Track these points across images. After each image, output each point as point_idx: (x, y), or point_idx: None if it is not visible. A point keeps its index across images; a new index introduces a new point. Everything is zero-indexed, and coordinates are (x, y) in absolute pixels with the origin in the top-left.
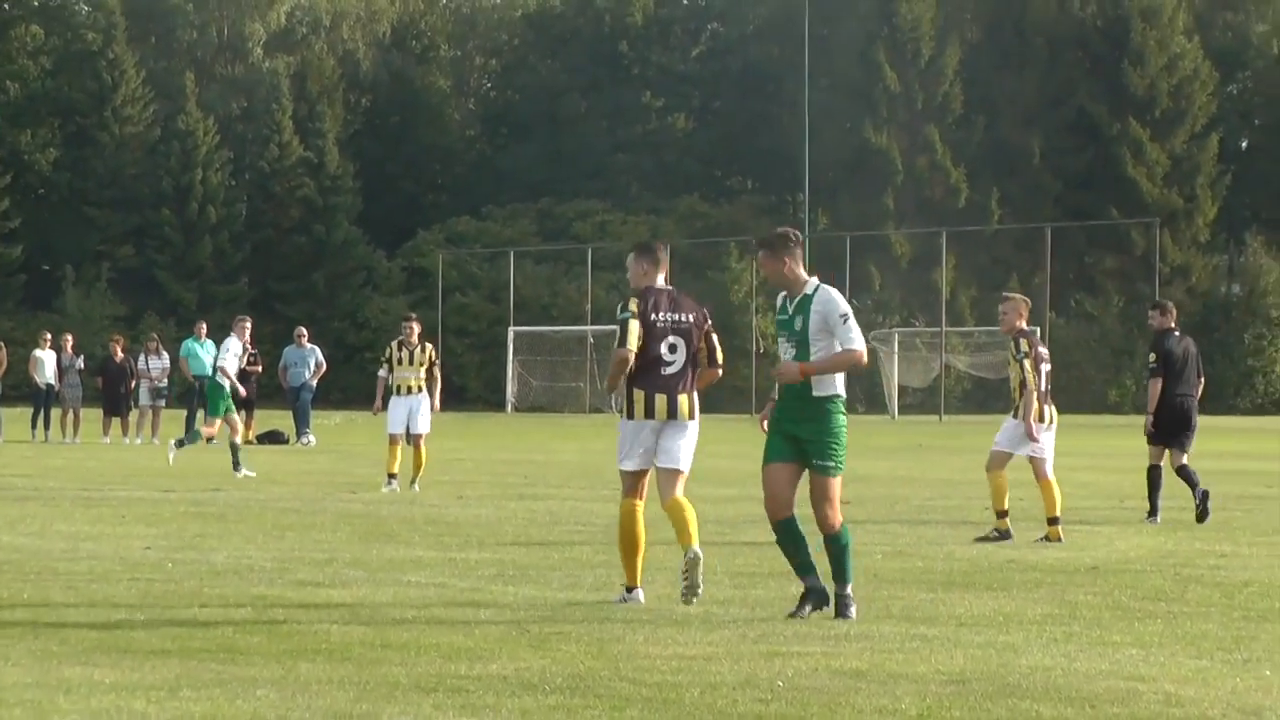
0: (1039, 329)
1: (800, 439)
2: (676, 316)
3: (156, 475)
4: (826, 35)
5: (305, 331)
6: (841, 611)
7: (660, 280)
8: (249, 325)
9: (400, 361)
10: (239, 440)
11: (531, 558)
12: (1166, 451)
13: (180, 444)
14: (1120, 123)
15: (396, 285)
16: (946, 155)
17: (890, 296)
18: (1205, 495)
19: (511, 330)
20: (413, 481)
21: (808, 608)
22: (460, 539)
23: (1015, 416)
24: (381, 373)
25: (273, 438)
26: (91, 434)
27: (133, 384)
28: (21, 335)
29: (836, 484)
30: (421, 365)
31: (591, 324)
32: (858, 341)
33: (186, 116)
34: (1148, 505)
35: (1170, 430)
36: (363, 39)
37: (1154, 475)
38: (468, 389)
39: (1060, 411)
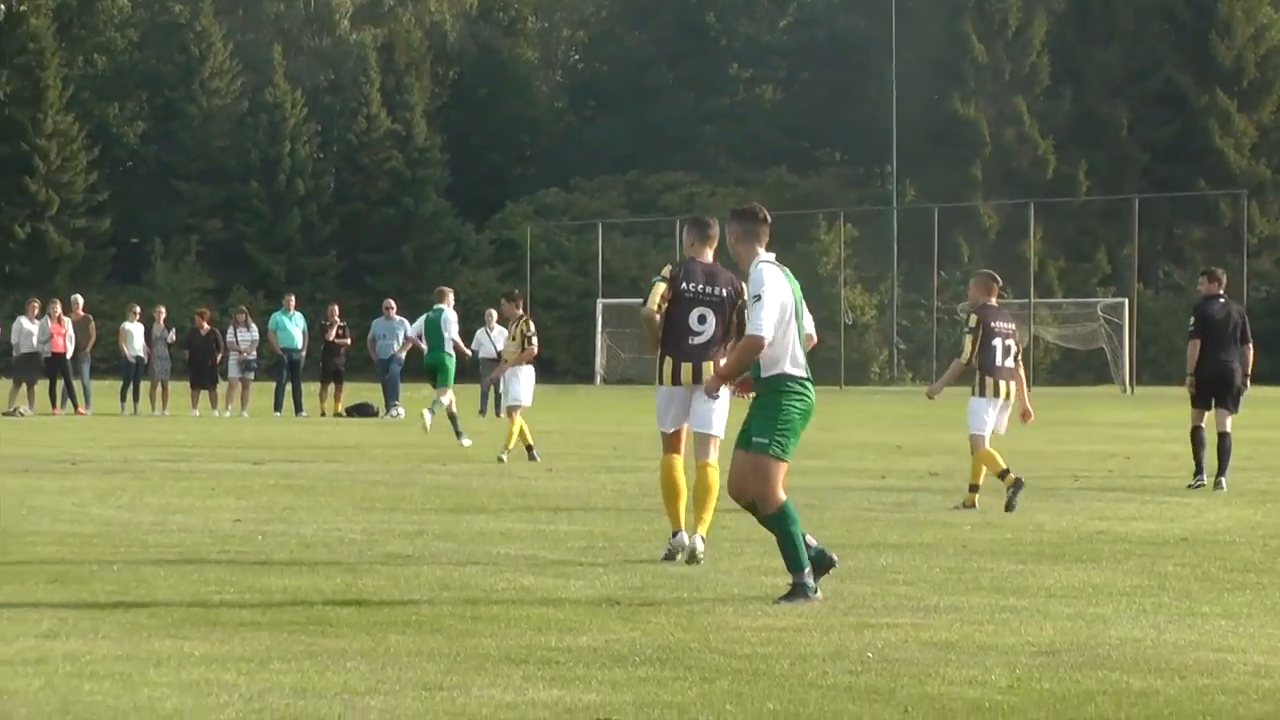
0: (1126, 300)
1: (749, 419)
2: (708, 289)
3: (245, 447)
4: (913, 6)
5: (394, 304)
6: (792, 596)
7: (708, 255)
8: (451, 294)
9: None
10: (455, 410)
11: (621, 529)
12: (1209, 414)
13: (432, 411)
14: (1207, 94)
15: (485, 258)
16: (1034, 126)
17: (978, 268)
18: (1221, 474)
19: (600, 302)
20: (501, 453)
21: (812, 580)
22: (549, 511)
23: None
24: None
25: (362, 410)
26: (180, 406)
27: (219, 357)
28: (110, 309)
29: (770, 464)
30: (515, 340)
31: None
32: (755, 325)
33: (274, 89)
34: (1193, 465)
35: (1211, 391)
36: (450, 11)
37: (1196, 436)
38: (557, 361)
39: (1149, 383)
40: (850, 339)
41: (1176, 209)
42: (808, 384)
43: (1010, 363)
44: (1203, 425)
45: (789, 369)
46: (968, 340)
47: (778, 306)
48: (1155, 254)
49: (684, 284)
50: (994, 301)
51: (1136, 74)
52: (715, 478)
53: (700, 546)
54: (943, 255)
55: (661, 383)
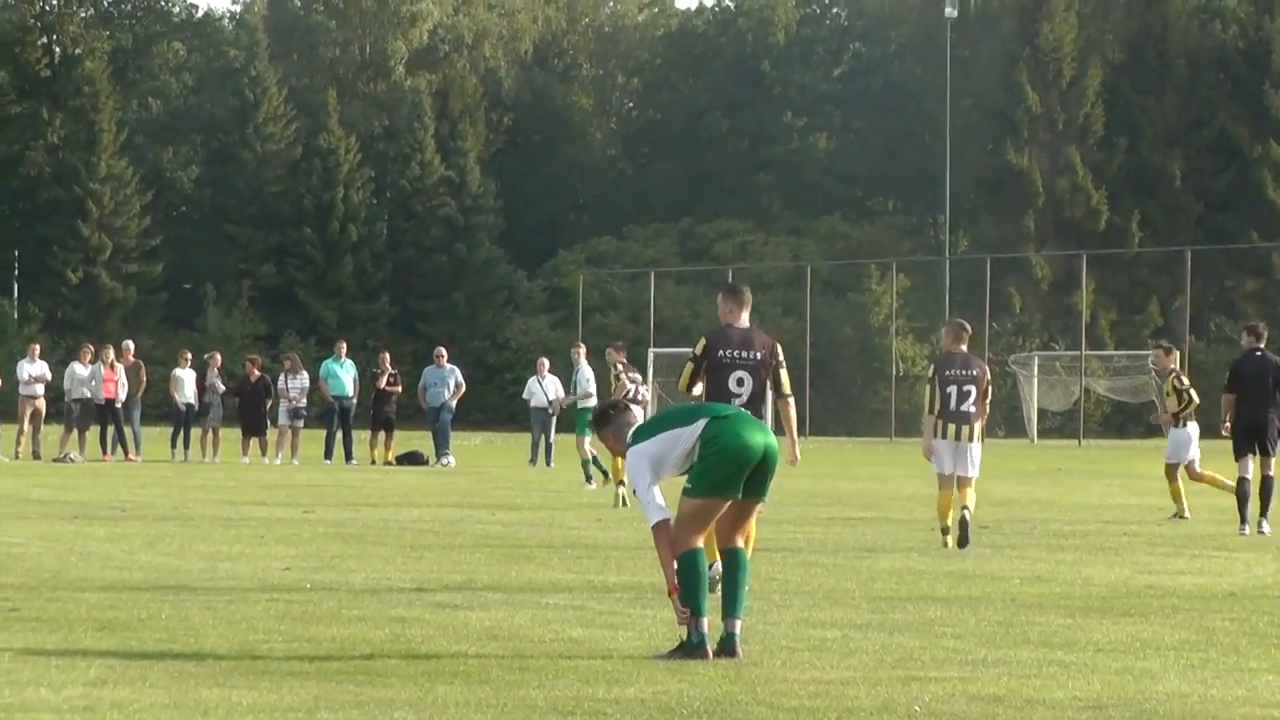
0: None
1: None
2: (744, 354)
3: (295, 495)
4: (968, 56)
5: (445, 352)
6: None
7: (744, 319)
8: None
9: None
10: (587, 455)
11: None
12: (1252, 464)
13: (589, 479)
14: (1261, 145)
15: (537, 305)
16: (1088, 177)
17: (1030, 319)
18: (1263, 516)
19: (652, 351)
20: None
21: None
22: (599, 562)
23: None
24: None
25: (412, 459)
26: (231, 454)
27: (269, 404)
28: (162, 354)
29: (683, 503)
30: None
31: None
32: (649, 516)
33: (328, 134)
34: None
35: (1247, 439)
36: (505, 57)
37: (1241, 488)
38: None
39: (1202, 436)
40: (901, 390)
41: (1230, 261)
42: (716, 423)
43: (968, 406)
44: (1248, 477)
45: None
46: (926, 389)
47: (650, 488)
48: (1207, 306)
49: (720, 351)
50: (963, 348)
51: (1191, 125)
52: (752, 525)
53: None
54: (995, 306)
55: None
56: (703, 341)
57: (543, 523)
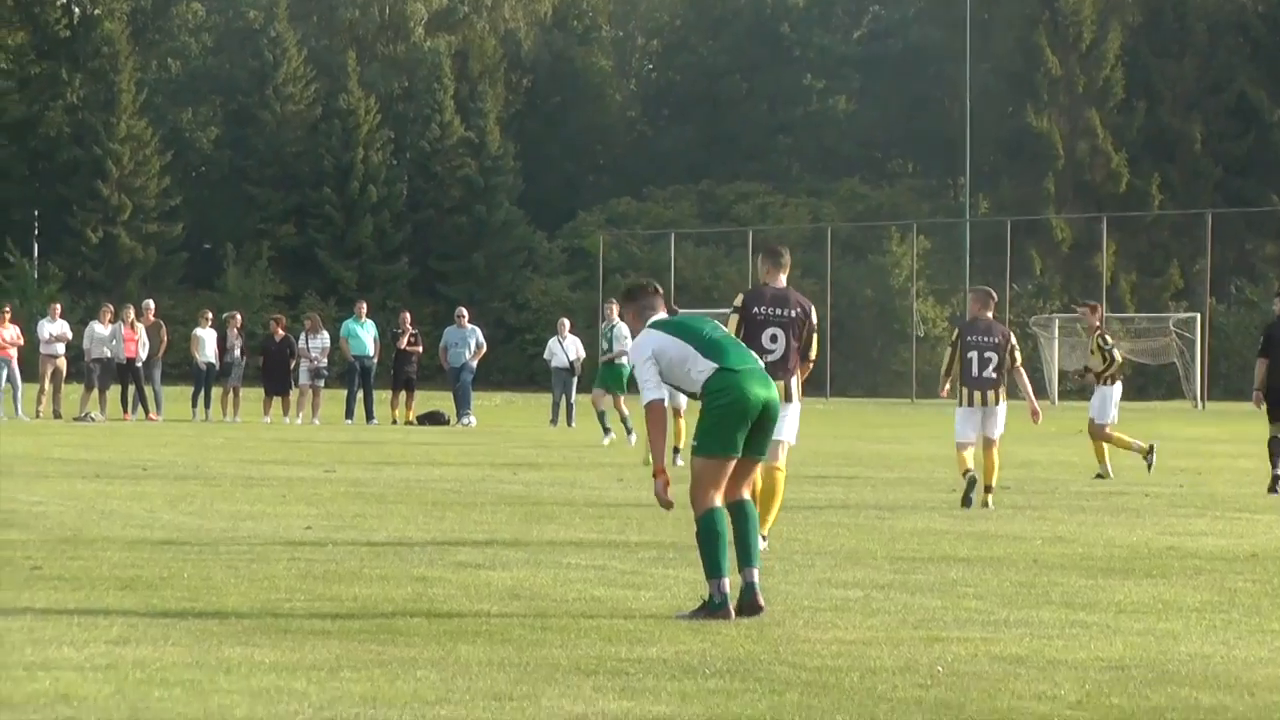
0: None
1: None
2: (779, 311)
3: (317, 454)
4: (988, 19)
5: (465, 312)
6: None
7: (781, 279)
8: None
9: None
10: (603, 408)
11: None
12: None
13: (607, 430)
14: None
15: (557, 266)
16: (1108, 140)
17: (1050, 281)
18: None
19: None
20: (676, 450)
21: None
22: (620, 521)
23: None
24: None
25: (433, 418)
26: (251, 413)
27: (293, 364)
28: (182, 314)
29: (696, 463)
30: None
31: None
32: (643, 393)
33: (348, 95)
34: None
35: (1275, 404)
36: (524, 19)
37: (1273, 445)
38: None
39: (1220, 398)
40: (922, 351)
41: (1249, 224)
42: (724, 374)
43: (990, 373)
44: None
45: (696, 389)
46: (946, 354)
47: (649, 365)
48: (1228, 269)
49: (755, 308)
50: (988, 315)
51: (1210, 88)
52: (780, 480)
53: (761, 545)
54: (1015, 268)
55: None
56: (740, 297)
57: (564, 482)
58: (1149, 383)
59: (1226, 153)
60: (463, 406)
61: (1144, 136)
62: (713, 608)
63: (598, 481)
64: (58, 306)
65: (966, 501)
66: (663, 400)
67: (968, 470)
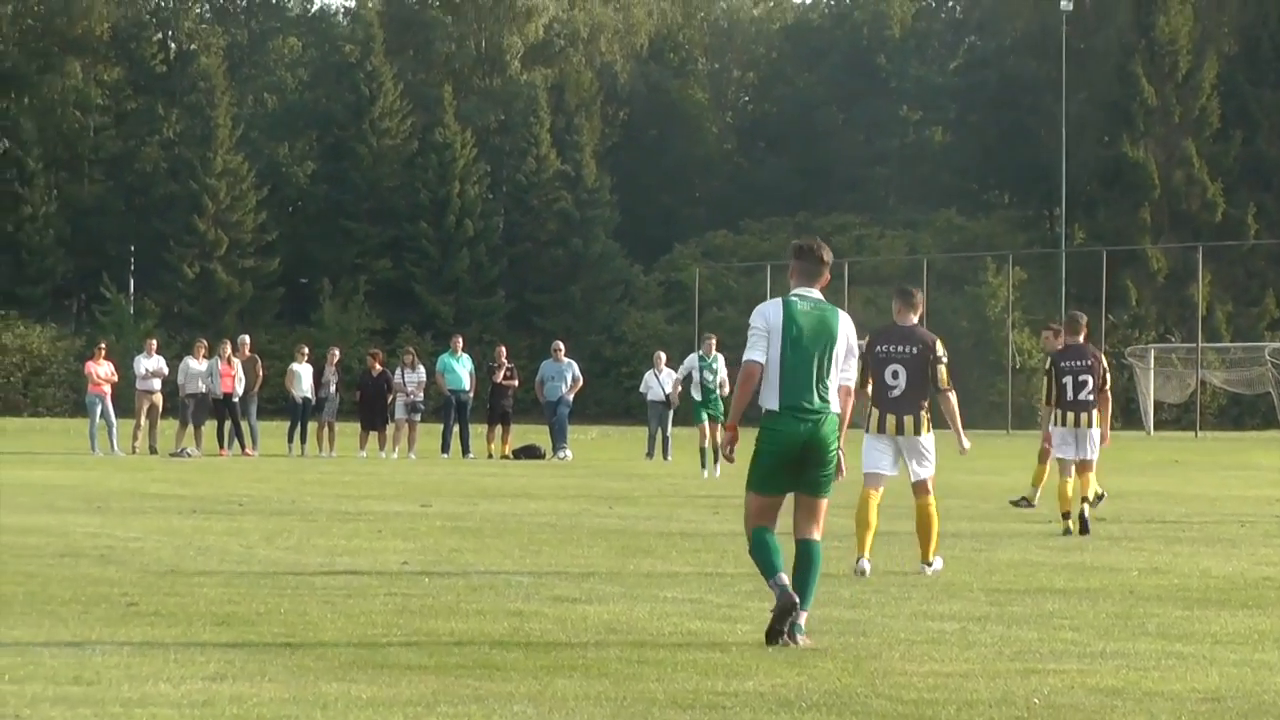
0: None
1: None
2: (901, 348)
3: (413, 489)
4: (1084, 48)
5: (562, 345)
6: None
7: (911, 318)
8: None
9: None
10: (706, 445)
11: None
12: None
13: (704, 465)
14: None
15: (654, 299)
16: (1203, 169)
17: (1146, 311)
18: None
19: None
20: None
21: (786, 581)
22: (716, 554)
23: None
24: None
25: (529, 452)
26: (347, 448)
27: (390, 398)
28: (278, 349)
29: (746, 496)
30: None
31: None
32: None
33: (444, 129)
34: None
35: None
36: (620, 52)
37: None
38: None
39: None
40: (1018, 382)
41: None
42: (780, 416)
43: (1085, 395)
44: None
45: (768, 403)
46: (1044, 381)
47: (761, 335)
48: None
49: (879, 345)
50: (1079, 340)
51: None
52: (933, 510)
53: (937, 566)
54: (1111, 298)
55: (868, 431)
56: (867, 336)
57: (660, 515)
58: (1244, 412)
59: None
60: (559, 440)
61: (1240, 165)
62: (778, 605)
63: (693, 515)
64: (154, 342)
65: (1084, 529)
66: (757, 363)
67: (1068, 513)
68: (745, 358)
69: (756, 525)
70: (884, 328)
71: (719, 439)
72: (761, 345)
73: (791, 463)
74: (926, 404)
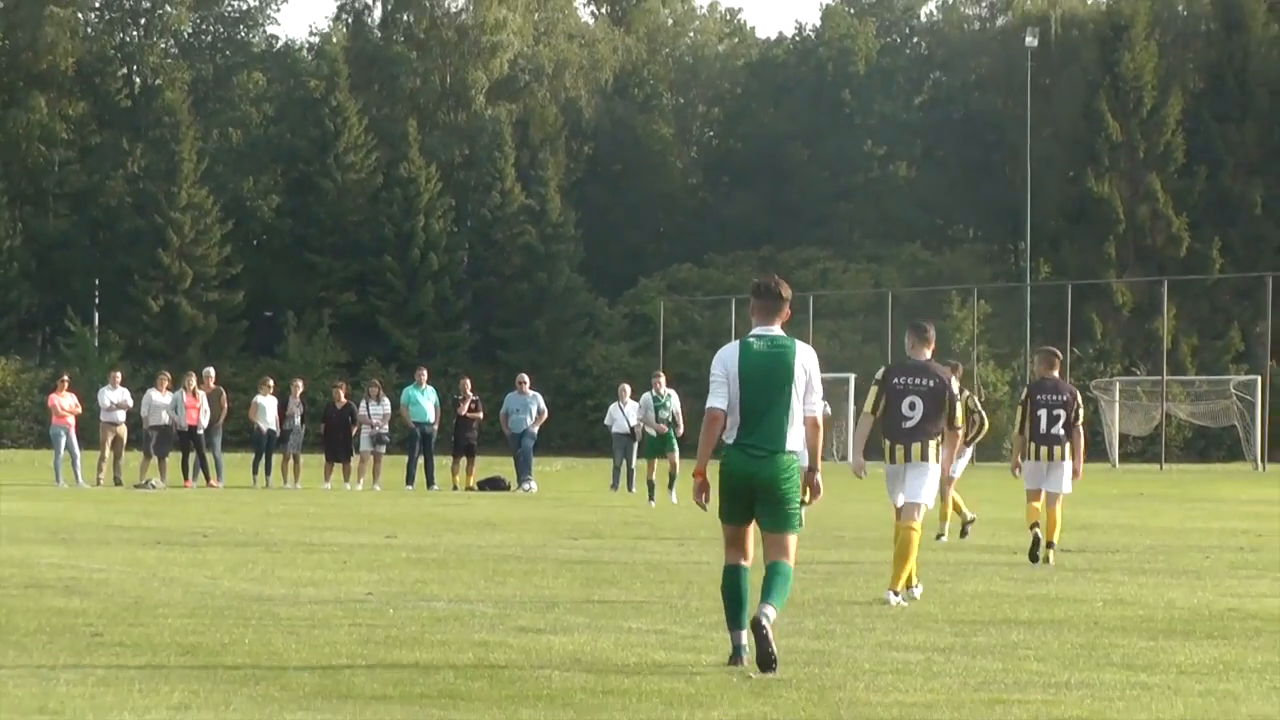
0: (1259, 378)
1: None
2: (919, 381)
3: (377, 521)
4: (1049, 84)
5: (527, 378)
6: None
7: (925, 353)
8: (661, 378)
9: None
10: (653, 478)
11: (752, 604)
12: None
13: (652, 497)
14: None
15: (618, 332)
16: (1168, 204)
17: (1111, 345)
18: None
19: None
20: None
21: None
22: (681, 586)
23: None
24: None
25: (494, 484)
26: (312, 479)
27: (355, 430)
28: (243, 381)
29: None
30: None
31: None
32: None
33: (409, 164)
34: None
35: None
36: (585, 87)
37: None
38: (689, 436)
39: None
40: (986, 416)
41: None
42: (732, 450)
43: (1058, 429)
44: None
45: (727, 437)
46: (1018, 410)
47: (720, 382)
48: None
49: (896, 378)
50: (1054, 374)
51: (1271, 152)
52: (914, 540)
53: (915, 593)
54: (1076, 332)
55: (888, 462)
56: (883, 369)
57: (625, 547)
58: (1210, 445)
59: None
60: (524, 472)
61: (1205, 200)
62: (732, 656)
63: (658, 546)
64: (118, 374)
65: (1033, 558)
66: (720, 409)
67: (1035, 525)
68: (708, 405)
69: (730, 559)
70: (900, 363)
71: (673, 473)
72: (722, 391)
73: (744, 496)
74: (939, 436)
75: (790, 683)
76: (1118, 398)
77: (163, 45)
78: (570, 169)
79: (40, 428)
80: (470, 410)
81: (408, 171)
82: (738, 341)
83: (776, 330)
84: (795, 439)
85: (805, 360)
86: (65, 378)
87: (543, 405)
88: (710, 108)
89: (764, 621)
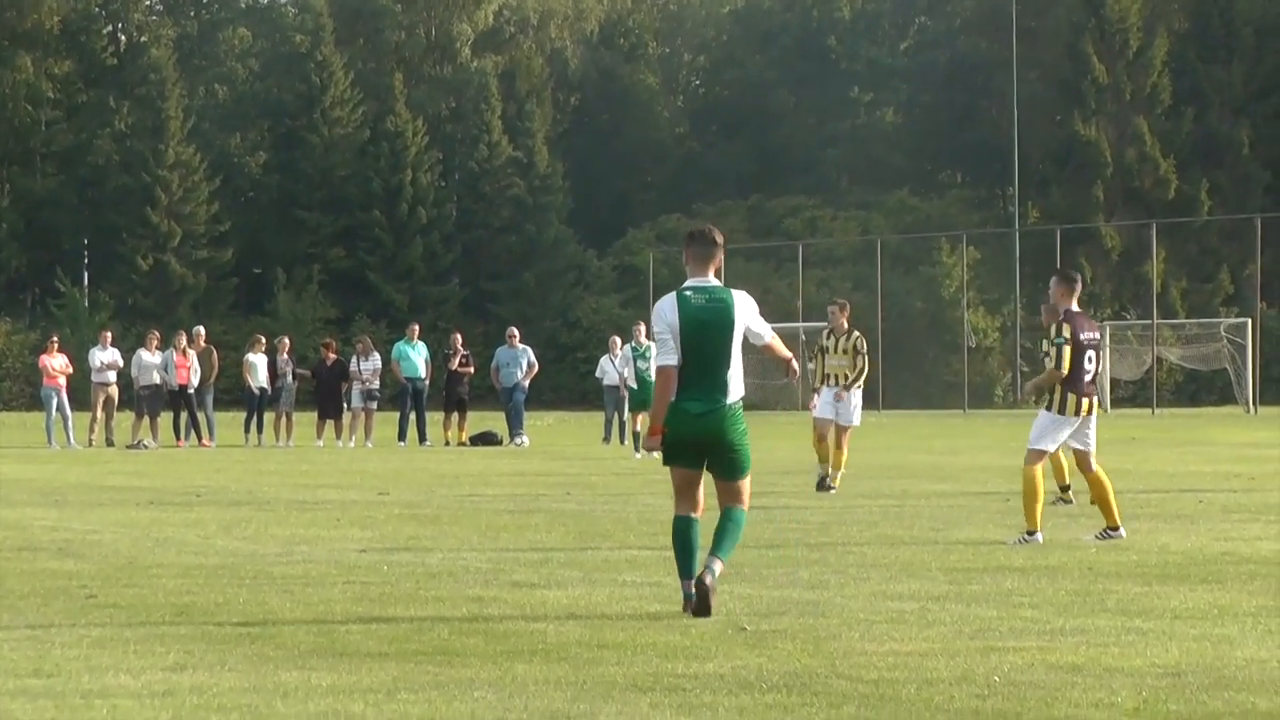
0: (1249, 320)
1: None
2: (1093, 335)
3: (370, 477)
4: (1034, 27)
5: (517, 332)
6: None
7: (1074, 303)
8: (641, 328)
9: (827, 350)
10: (639, 428)
11: (746, 556)
12: None
13: (639, 450)
14: None
15: (608, 284)
16: (1156, 146)
17: (1101, 289)
18: None
19: None
20: (834, 478)
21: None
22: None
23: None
24: (810, 365)
25: (486, 439)
26: (304, 437)
27: (345, 387)
28: (233, 339)
29: None
30: (847, 353)
31: (803, 321)
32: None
33: (395, 117)
34: None
35: None
36: (571, 37)
37: None
38: None
39: (1272, 403)
40: (973, 362)
41: None
42: (675, 406)
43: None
44: None
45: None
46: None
47: (666, 338)
48: (1278, 273)
49: (1081, 334)
50: (1076, 306)
51: (1257, 93)
52: (1106, 479)
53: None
54: None
55: (1062, 413)
56: (1069, 326)
57: (618, 500)
58: (1201, 389)
59: (1275, 157)
60: (515, 426)
61: (1192, 142)
62: (686, 604)
63: (652, 499)
64: (108, 334)
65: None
66: (672, 365)
67: (1067, 486)
68: (659, 363)
69: (678, 508)
70: (1074, 316)
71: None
72: (670, 347)
73: (692, 449)
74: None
75: (785, 633)
76: (1108, 342)
77: (147, 3)
78: (557, 120)
79: (31, 389)
80: (461, 365)
81: (394, 125)
82: (674, 295)
83: (712, 280)
84: (737, 388)
85: (744, 310)
86: (55, 339)
87: (533, 359)
88: (695, 56)
89: (707, 579)
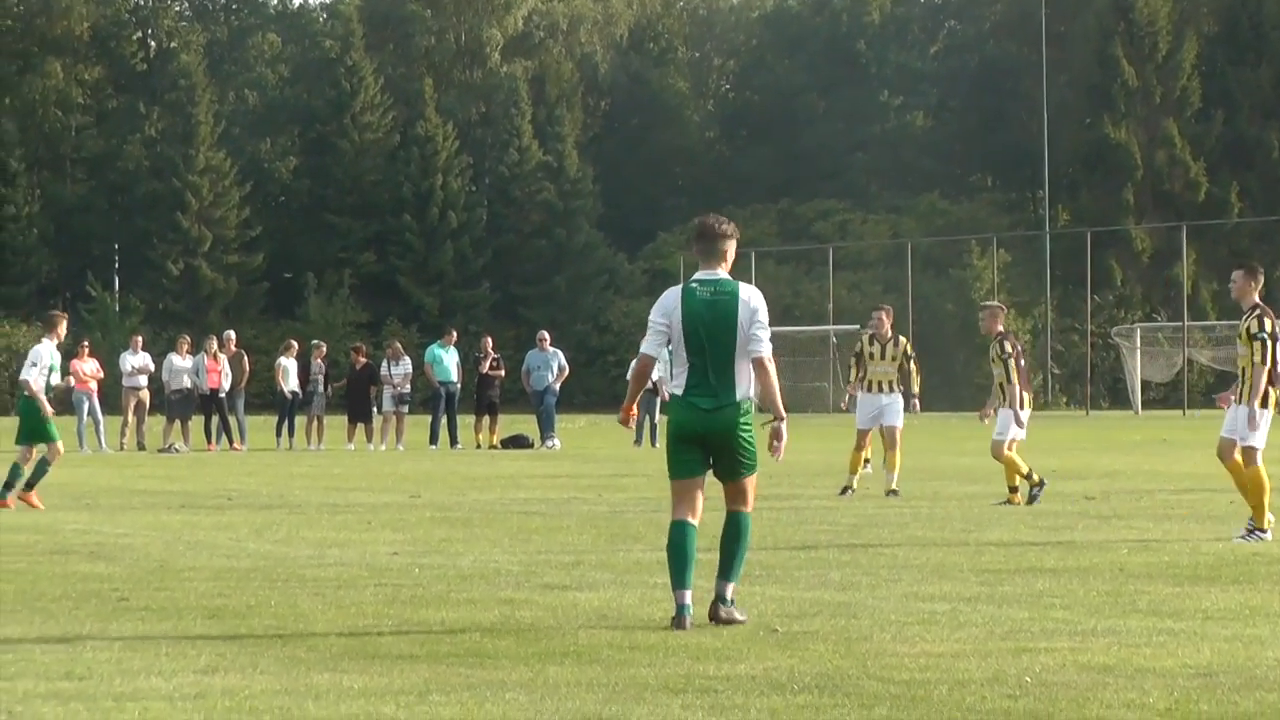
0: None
1: None
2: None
3: (401, 480)
4: (1064, 31)
5: (547, 335)
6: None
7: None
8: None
9: (872, 356)
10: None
11: (777, 558)
12: None
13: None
14: None
15: (638, 287)
16: (1186, 149)
17: (1131, 291)
18: None
19: None
20: (892, 480)
21: (687, 602)
22: (706, 540)
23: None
24: (856, 370)
25: (517, 442)
26: (335, 440)
27: (375, 391)
28: (264, 343)
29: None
30: (894, 360)
31: (834, 324)
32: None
33: (426, 122)
34: None
35: None
36: (600, 42)
37: None
38: None
39: None
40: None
41: None
42: (680, 403)
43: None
44: None
45: (674, 388)
46: (1010, 365)
47: (660, 330)
48: None
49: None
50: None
51: None
52: (1252, 474)
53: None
54: (1095, 279)
55: (1266, 406)
56: (1270, 321)
57: (649, 502)
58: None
59: None
60: (546, 429)
61: (1222, 145)
62: (674, 617)
63: None
64: (139, 339)
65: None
66: (650, 356)
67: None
68: (641, 350)
69: (675, 515)
70: (1266, 309)
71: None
72: (656, 339)
73: (697, 448)
74: None
75: (817, 635)
76: (1139, 344)
77: (176, 8)
78: (587, 125)
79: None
80: (492, 368)
81: (425, 130)
82: (679, 288)
83: (721, 274)
84: (746, 384)
85: (751, 303)
86: (86, 343)
87: (564, 362)
88: (725, 60)
89: (721, 613)
